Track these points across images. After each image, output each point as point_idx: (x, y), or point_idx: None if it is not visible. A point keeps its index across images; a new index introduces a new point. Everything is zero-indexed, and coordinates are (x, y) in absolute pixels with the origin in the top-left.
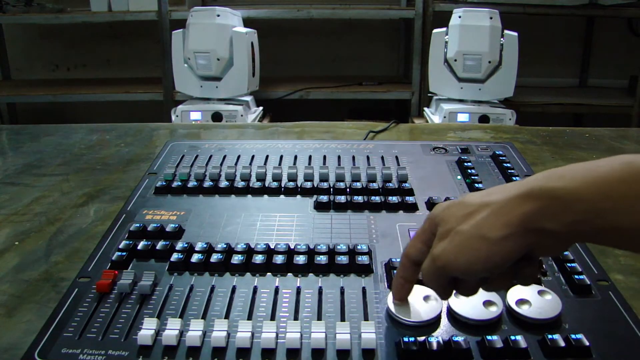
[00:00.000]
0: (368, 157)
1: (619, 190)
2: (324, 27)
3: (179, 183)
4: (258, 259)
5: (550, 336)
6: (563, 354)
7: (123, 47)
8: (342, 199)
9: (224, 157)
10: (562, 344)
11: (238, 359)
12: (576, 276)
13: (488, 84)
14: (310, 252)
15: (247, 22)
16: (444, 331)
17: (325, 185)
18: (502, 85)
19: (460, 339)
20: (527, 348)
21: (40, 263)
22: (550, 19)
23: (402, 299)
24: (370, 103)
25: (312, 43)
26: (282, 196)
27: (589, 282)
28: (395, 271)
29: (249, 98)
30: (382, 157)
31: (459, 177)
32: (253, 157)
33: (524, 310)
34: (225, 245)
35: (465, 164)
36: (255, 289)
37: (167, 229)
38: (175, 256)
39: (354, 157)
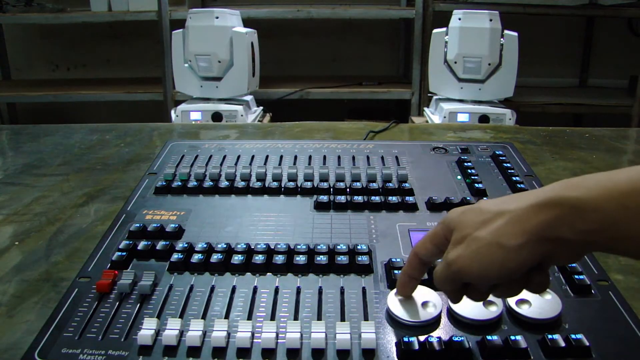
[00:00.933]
0: (368, 157)
1: (636, 201)
2: (324, 27)
3: (179, 183)
4: (258, 259)
5: (550, 336)
6: (563, 354)
7: (123, 47)
8: (342, 199)
9: (224, 157)
10: (562, 344)
11: (238, 358)
12: (576, 276)
13: (488, 84)
14: (310, 252)
15: (247, 22)
16: (444, 331)
17: (325, 185)
18: (502, 85)
19: (460, 339)
20: (527, 348)
21: (41, 263)
22: (550, 19)
23: (406, 295)
24: (370, 103)
25: (312, 43)
26: (282, 196)
27: (589, 282)
28: (395, 271)
29: (249, 98)
30: (382, 157)
31: (459, 177)
32: (253, 157)
33: (524, 310)
34: (225, 245)
35: (465, 164)
36: (255, 289)
37: (167, 229)
38: (175, 256)
39: (354, 157)
